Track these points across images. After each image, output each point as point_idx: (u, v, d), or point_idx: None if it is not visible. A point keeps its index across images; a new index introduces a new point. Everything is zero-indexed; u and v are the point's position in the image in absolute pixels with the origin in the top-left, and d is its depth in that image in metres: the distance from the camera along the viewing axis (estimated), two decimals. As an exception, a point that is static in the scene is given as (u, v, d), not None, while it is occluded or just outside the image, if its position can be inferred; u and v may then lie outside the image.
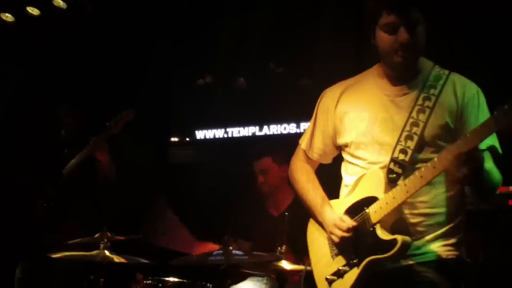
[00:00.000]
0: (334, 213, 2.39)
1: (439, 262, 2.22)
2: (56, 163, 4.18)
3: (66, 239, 3.58)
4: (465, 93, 2.30)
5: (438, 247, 2.24)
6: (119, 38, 5.22)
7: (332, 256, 2.40)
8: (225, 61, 5.17)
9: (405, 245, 2.14)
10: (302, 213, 3.66)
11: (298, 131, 4.87)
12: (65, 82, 5.13)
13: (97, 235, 3.42)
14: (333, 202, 2.48)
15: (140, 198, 4.75)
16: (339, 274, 2.32)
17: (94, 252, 3.34)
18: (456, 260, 2.26)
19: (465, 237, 2.33)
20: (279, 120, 5.00)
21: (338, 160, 2.59)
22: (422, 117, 2.26)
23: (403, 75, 2.35)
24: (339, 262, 2.34)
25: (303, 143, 2.66)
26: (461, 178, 2.01)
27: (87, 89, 5.07)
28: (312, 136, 2.61)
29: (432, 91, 2.30)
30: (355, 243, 2.29)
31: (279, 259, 3.19)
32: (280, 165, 4.04)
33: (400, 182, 2.19)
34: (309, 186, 2.57)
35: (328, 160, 2.63)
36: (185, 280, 3.47)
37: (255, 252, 3.42)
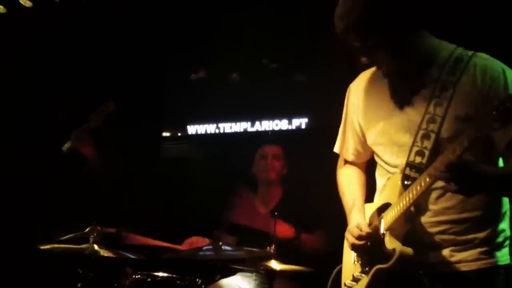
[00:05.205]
0: (358, 218, 2.24)
1: (467, 273, 2.01)
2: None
3: (57, 233, 3.57)
4: (486, 76, 1.97)
5: (467, 257, 2.02)
6: (112, 31, 5.20)
7: (353, 262, 2.32)
8: (219, 56, 5.16)
9: (403, 256, 1.99)
10: (289, 212, 3.69)
11: (290, 127, 4.86)
12: (56, 74, 5.10)
13: (87, 229, 3.43)
14: (367, 206, 2.34)
15: (133, 193, 4.72)
16: (356, 279, 2.26)
17: (83, 246, 3.34)
18: (487, 270, 2.01)
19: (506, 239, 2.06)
20: (271, 116, 4.99)
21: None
22: (439, 111, 1.99)
23: (409, 71, 2.10)
24: (357, 268, 2.28)
25: (337, 147, 2.50)
26: (456, 190, 1.82)
27: (78, 81, 5.05)
28: (344, 136, 2.44)
29: (450, 78, 2.01)
30: (370, 250, 2.18)
31: (269, 256, 3.19)
32: (284, 159, 4.09)
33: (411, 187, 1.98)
34: (345, 190, 2.44)
35: (363, 160, 2.44)
36: (174, 275, 3.47)
37: (245, 248, 3.43)
